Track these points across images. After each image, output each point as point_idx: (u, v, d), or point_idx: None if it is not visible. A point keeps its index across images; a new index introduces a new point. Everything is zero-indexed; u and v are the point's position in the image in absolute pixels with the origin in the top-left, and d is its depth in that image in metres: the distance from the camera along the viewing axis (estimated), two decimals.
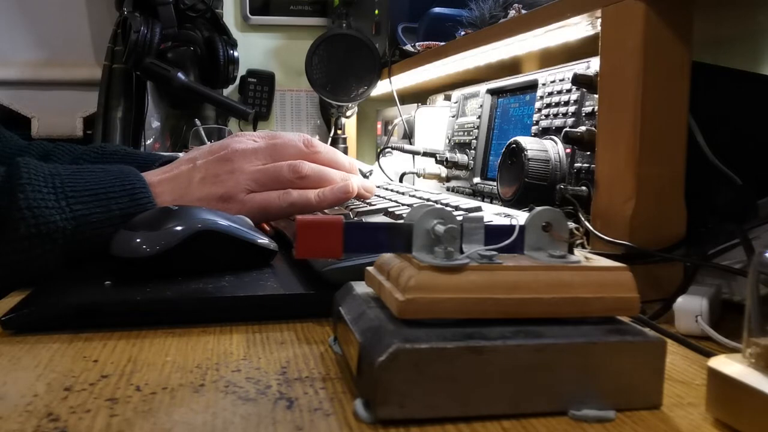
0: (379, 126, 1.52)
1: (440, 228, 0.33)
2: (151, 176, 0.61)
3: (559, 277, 0.32)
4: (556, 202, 0.63)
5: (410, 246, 0.33)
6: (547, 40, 0.73)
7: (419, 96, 1.37)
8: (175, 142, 1.64)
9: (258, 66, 1.79)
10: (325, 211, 0.65)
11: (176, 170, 0.62)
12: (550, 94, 0.74)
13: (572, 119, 0.68)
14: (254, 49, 1.80)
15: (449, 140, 1.01)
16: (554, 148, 0.68)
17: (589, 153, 0.63)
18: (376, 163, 1.12)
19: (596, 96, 0.56)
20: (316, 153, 0.66)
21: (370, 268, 0.37)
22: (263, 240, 0.55)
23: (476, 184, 0.91)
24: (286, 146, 0.65)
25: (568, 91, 0.70)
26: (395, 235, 0.33)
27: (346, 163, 0.68)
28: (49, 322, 0.43)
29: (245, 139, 0.66)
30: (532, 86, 0.79)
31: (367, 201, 0.66)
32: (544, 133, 0.73)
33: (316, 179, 0.64)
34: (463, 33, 0.95)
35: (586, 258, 0.35)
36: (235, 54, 1.60)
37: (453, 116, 1.03)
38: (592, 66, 0.65)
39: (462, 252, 0.33)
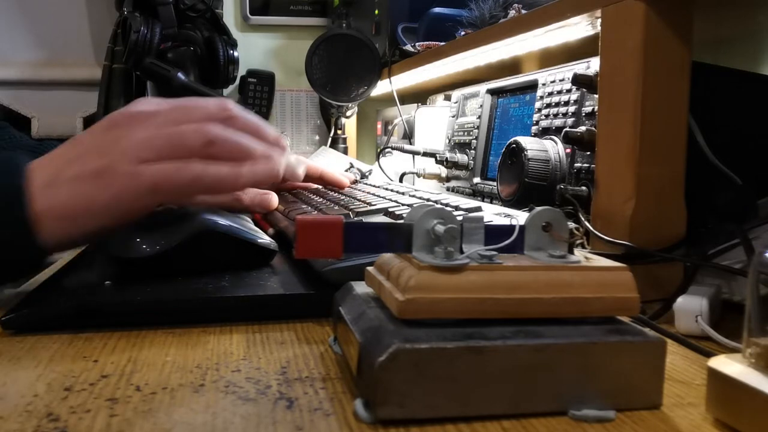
0: (379, 126, 1.52)
1: (440, 228, 0.33)
2: (35, 163, 0.48)
3: (559, 277, 0.32)
4: (556, 202, 0.63)
5: (410, 246, 0.33)
6: (547, 40, 0.73)
7: (419, 96, 1.37)
8: None
9: (258, 66, 1.79)
10: (325, 211, 0.64)
11: (56, 150, 0.49)
12: (550, 94, 0.74)
13: (572, 119, 0.68)
14: (254, 49, 1.80)
15: (449, 140, 1.01)
16: (554, 148, 0.68)
17: (589, 153, 0.63)
18: (376, 163, 1.12)
19: (596, 96, 0.56)
20: (231, 117, 0.51)
21: (370, 268, 0.37)
22: (264, 240, 0.55)
23: (476, 184, 0.91)
24: (194, 108, 0.51)
25: (568, 91, 0.70)
26: (395, 235, 0.33)
27: (270, 135, 0.54)
28: (49, 322, 0.43)
29: (145, 101, 0.51)
30: (532, 86, 0.79)
31: (367, 201, 0.66)
32: (544, 133, 0.73)
33: (229, 148, 0.49)
34: (463, 33, 0.95)
35: (586, 258, 0.35)
36: (235, 54, 1.60)
37: (453, 116, 1.03)
38: (592, 66, 0.65)
39: (462, 252, 0.33)
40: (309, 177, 0.85)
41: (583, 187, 0.61)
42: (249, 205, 0.61)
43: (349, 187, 0.84)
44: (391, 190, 0.76)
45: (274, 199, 0.66)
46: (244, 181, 0.50)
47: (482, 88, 0.94)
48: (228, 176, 0.49)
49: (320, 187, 0.86)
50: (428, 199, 0.66)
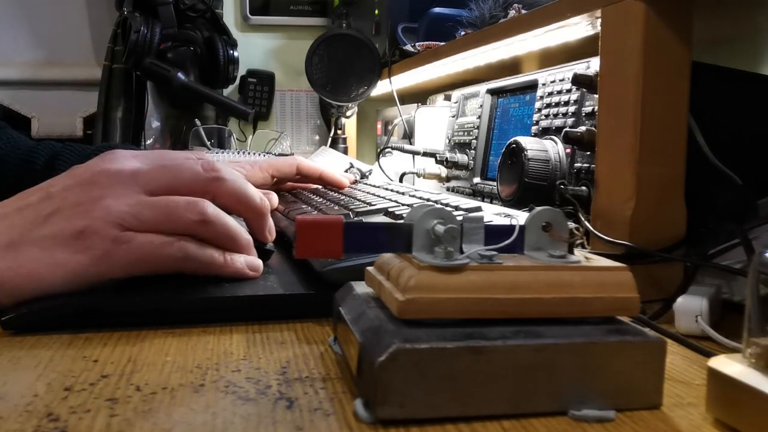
0: (379, 126, 1.52)
1: (440, 228, 0.33)
2: None
3: (559, 277, 0.32)
4: (556, 202, 0.63)
5: (410, 246, 0.33)
6: (547, 40, 0.73)
7: (419, 96, 1.37)
8: (175, 142, 1.64)
9: (258, 66, 1.80)
10: (325, 211, 0.64)
11: (22, 201, 0.44)
12: (550, 94, 0.74)
13: (572, 119, 0.68)
14: (254, 49, 1.80)
15: (449, 140, 1.01)
16: (554, 148, 0.68)
17: (589, 153, 0.63)
18: (376, 163, 1.12)
19: (596, 96, 0.56)
20: (219, 180, 0.48)
21: (370, 268, 0.37)
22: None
23: (476, 184, 0.91)
24: (179, 169, 0.47)
25: (568, 91, 0.70)
26: (395, 235, 0.33)
27: (257, 198, 0.51)
28: (49, 322, 0.43)
29: (121, 157, 0.46)
30: (532, 86, 0.79)
31: (367, 201, 0.66)
32: (544, 133, 0.73)
33: (221, 232, 0.46)
34: (463, 33, 0.95)
35: (586, 258, 0.35)
36: (235, 54, 1.61)
37: (453, 116, 1.03)
38: (592, 66, 0.65)
39: (462, 252, 0.33)
40: (308, 177, 0.85)
41: (583, 187, 0.61)
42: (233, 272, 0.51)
43: (349, 187, 0.84)
44: (391, 190, 0.76)
45: (274, 198, 0.65)
46: (230, 272, 0.47)
47: (482, 88, 0.94)
48: (217, 263, 0.46)
49: (320, 187, 0.86)
50: (428, 199, 0.66)
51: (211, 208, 0.46)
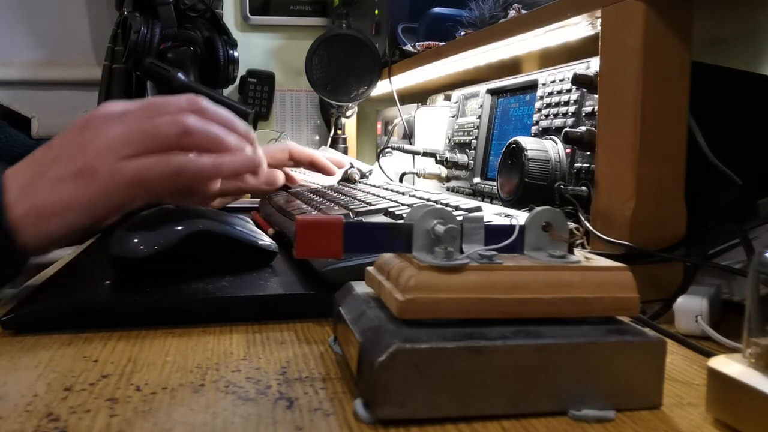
0: (379, 126, 1.52)
1: (440, 228, 0.33)
2: (10, 171, 0.49)
3: (559, 277, 0.32)
4: (556, 202, 0.63)
5: (410, 246, 0.33)
6: (547, 40, 0.73)
7: (419, 96, 1.37)
8: None
9: (258, 66, 1.79)
10: (325, 211, 0.64)
11: (29, 159, 0.50)
12: (550, 94, 0.74)
13: (572, 119, 0.68)
14: (254, 49, 1.80)
15: (449, 140, 1.01)
16: (554, 148, 0.68)
17: (589, 153, 0.63)
18: (376, 163, 1.12)
19: (596, 96, 0.56)
20: (202, 110, 0.51)
21: (370, 268, 0.37)
22: (264, 241, 0.55)
23: (476, 184, 0.91)
24: (164, 103, 0.51)
25: (568, 91, 0.70)
26: (395, 235, 0.33)
27: (241, 127, 0.54)
28: (49, 322, 0.43)
29: (113, 104, 0.51)
30: (532, 86, 0.79)
31: (367, 201, 0.66)
32: (544, 133, 0.73)
33: (205, 138, 0.50)
34: (463, 33, 0.95)
35: (586, 258, 0.35)
36: (235, 54, 1.60)
37: (453, 116, 1.03)
38: (592, 66, 0.65)
39: (462, 252, 0.33)
40: (300, 162, 0.86)
41: (583, 187, 0.61)
42: (256, 184, 0.62)
43: (343, 184, 0.84)
44: (391, 190, 0.76)
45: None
46: (226, 172, 0.50)
47: (482, 88, 0.94)
48: (209, 166, 0.49)
49: (319, 187, 0.86)
50: (428, 199, 0.66)
51: (192, 119, 0.49)
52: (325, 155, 0.92)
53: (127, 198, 0.48)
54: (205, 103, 0.52)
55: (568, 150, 0.67)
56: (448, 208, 0.36)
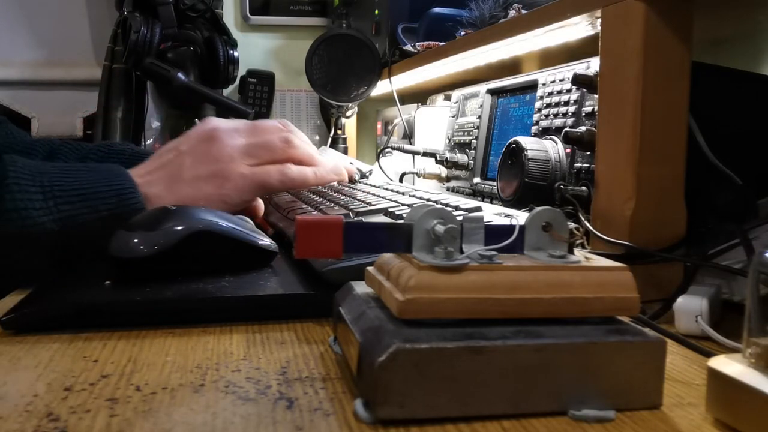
0: (379, 126, 1.52)
1: (440, 228, 0.33)
2: (139, 170, 0.59)
3: (559, 277, 0.32)
4: (556, 202, 0.63)
5: (410, 246, 0.33)
6: (547, 40, 0.73)
7: (419, 96, 1.37)
8: None
9: (258, 66, 1.79)
10: (325, 211, 0.64)
11: (163, 159, 0.62)
12: (550, 94, 0.74)
13: (572, 119, 0.68)
14: (254, 49, 1.80)
15: (449, 140, 1.01)
16: (554, 148, 0.68)
17: (589, 153, 0.63)
18: (376, 163, 1.12)
19: (596, 96, 0.56)
20: (292, 131, 0.70)
21: (370, 268, 0.37)
22: (264, 241, 0.55)
23: (476, 184, 0.91)
24: (266, 123, 0.68)
25: (568, 91, 0.70)
26: (395, 235, 0.33)
27: (315, 149, 0.73)
28: (49, 322, 0.43)
29: (218, 121, 0.66)
30: (532, 86, 0.79)
31: (367, 201, 0.66)
32: (544, 133, 0.73)
33: (305, 153, 0.67)
34: (463, 33, 0.95)
35: (586, 258, 0.35)
36: (235, 54, 1.60)
37: (453, 116, 1.03)
38: (592, 66, 0.65)
39: (462, 252, 0.33)
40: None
41: (583, 187, 0.61)
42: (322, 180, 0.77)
43: (349, 187, 0.84)
44: (391, 190, 0.76)
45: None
46: (324, 181, 0.68)
47: (482, 88, 0.94)
48: (312, 176, 0.68)
49: (320, 186, 0.86)
50: (428, 199, 0.66)
51: (293, 136, 0.67)
52: (325, 155, 0.93)
53: (251, 196, 0.63)
54: (290, 124, 0.69)
55: (568, 150, 0.67)
56: (448, 208, 0.36)
